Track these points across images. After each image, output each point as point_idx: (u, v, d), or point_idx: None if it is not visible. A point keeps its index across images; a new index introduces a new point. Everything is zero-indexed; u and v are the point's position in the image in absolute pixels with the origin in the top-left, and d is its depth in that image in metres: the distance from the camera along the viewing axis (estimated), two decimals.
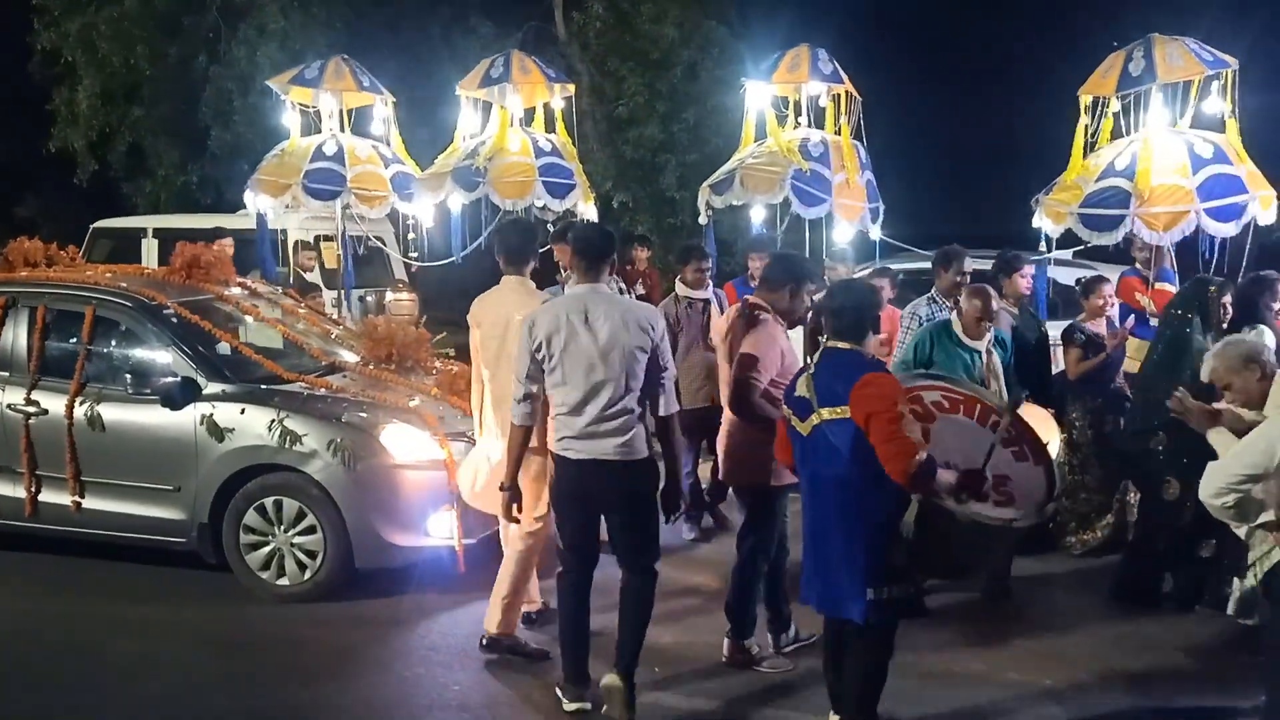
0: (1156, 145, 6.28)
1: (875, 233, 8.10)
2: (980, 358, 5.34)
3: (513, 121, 8.36)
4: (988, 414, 4.05)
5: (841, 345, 3.79)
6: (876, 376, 3.65)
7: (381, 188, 8.84)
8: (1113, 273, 7.20)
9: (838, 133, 7.88)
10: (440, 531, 5.49)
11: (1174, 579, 5.30)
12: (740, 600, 4.78)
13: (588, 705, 4.31)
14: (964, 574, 4.71)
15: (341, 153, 8.72)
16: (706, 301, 6.52)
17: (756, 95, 7.94)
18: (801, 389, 3.83)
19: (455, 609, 5.42)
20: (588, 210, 8.68)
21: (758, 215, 8.28)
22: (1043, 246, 6.96)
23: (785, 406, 3.96)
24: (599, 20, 14.72)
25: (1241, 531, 3.47)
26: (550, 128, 8.60)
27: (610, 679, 4.26)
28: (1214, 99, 6.45)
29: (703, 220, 8.09)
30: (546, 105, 8.61)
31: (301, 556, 5.48)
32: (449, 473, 5.44)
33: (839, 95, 7.92)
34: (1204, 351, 4.57)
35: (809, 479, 3.86)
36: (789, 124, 8.04)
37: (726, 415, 4.75)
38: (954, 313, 5.57)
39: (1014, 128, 16.76)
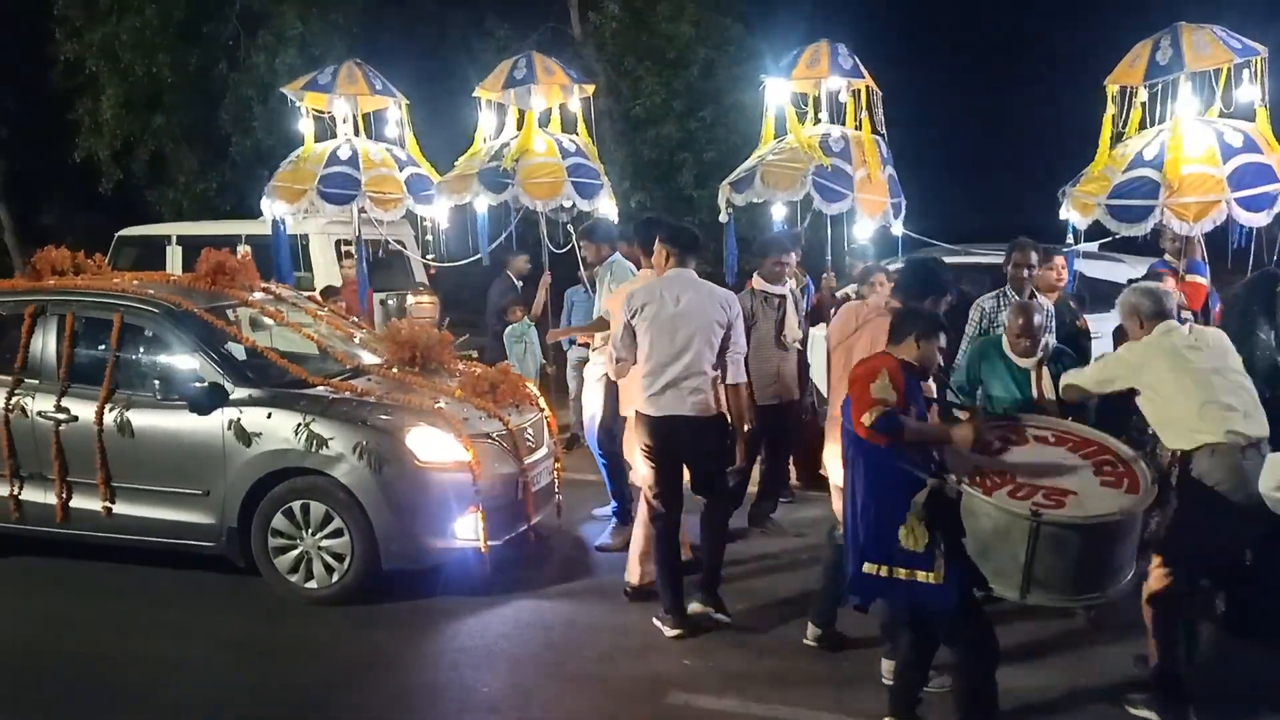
0: (1185, 134, 6.18)
1: (898, 228, 8.04)
2: (1029, 376, 4.97)
3: (535, 122, 8.36)
4: (1100, 453, 4.06)
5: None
6: (876, 356, 4.03)
7: (396, 190, 8.85)
8: (1141, 265, 7.12)
9: (858, 128, 7.82)
10: (466, 533, 5.49)
11: None
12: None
13: (683, 631, 5.03)
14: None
15: (356, 157, 8.74)
16: (783, 297, 6.40)
17: (776, 92, 7.88)
18: None
19: (483, 611, 5.43)
20: (612, 210, 8.67)
21: (778, 212, 8.23)
22: (1070, 239, 6.86)
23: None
24: (615, 20, 14.72)
25: None
26: (568, 129, 8.59)
27: (695, 606, 5.12)
28: (1245, 87, 6.34)
29: (723, 218, 8.05)
30: (564, 106, 8.61)
31: (329, 559, 5.50)
32: (474, 474, 5.44)
33: (859, 90, 7.86)
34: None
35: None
36: (809, 120, 7.99)
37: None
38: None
39: (1039, 119, 16.64)
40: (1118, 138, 6.65)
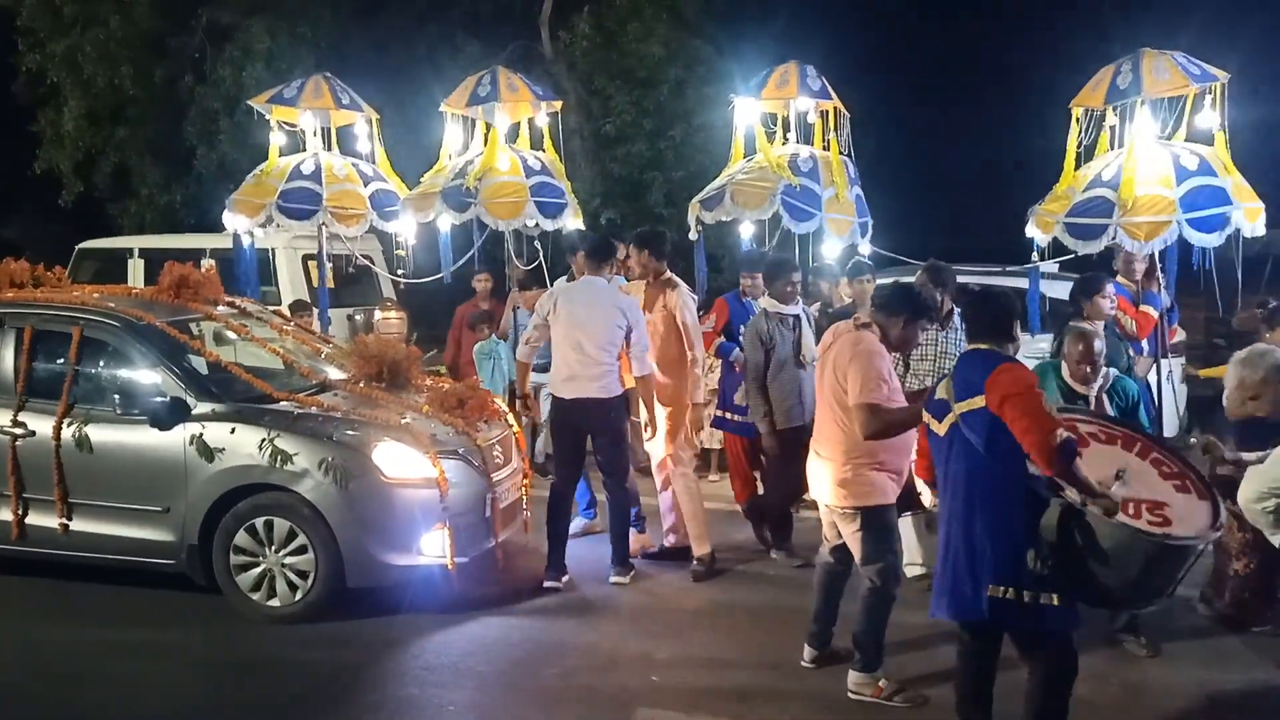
0: (1141, 156, 6.34)
1: (865, 247, 8.11)
2: (1087, 403, 4.88)
3: (500, 140, 8.35)
4: (1149, 451, 3.99)
5: (980, 346, 3.86)
6: (1012, 365, 3.71)
7: (359, 206, 8.77)
8: None
9: (826, 148, 7.90)
10: (433, 550, 5.45)
11: None
12: (872, 628, 4.60)
13: (559, 584, 5.95)
14: (1122, 602, 4.24)
15: (319, 171, 8.67)
16: (797, 317, 6.44)
17: (745, 111, 7.95)
18: (941, 392, 3.88)
19: (449, 627, 5.38)
20: (578, 227, 8.66)
21: (747, 231, 8.28)
22: (1035, 256, 6.98)
23: (926, 414, 3.98)
24: (585, 39, 14.74)
25: (1276, 540, 3.41)
26: (536, 145, 8.59)
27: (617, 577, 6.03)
28: (1206, 112, 6.50)
29: (693, 236, 8.09)
30: (531, 122, 8.60)
31: (293, 577, 5.43)
32: (441, 490, 5.41)
33: (827, 111, 7.95)
34: None
35: (944, 480, 3.85)
36: (778, 140, 8.06)
37: (833, 439, 4.58)
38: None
39: (1008, 141, 16.84)
40: (1085, 158, 6.79)
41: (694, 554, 6.30)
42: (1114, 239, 6.26)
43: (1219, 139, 6.44)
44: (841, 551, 4.74)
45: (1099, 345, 4.94)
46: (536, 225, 8.38)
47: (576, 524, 6.77)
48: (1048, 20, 18.81)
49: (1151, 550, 3.60)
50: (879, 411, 4.32)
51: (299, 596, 5.42)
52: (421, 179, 8.83)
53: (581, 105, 14.68)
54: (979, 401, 3.58)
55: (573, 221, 8.48)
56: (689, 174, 13.60)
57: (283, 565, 5.43)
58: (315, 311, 8.94)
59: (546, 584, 5.94)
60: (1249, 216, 6.25)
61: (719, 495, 8.09)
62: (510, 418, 6.55)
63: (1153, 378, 6.60)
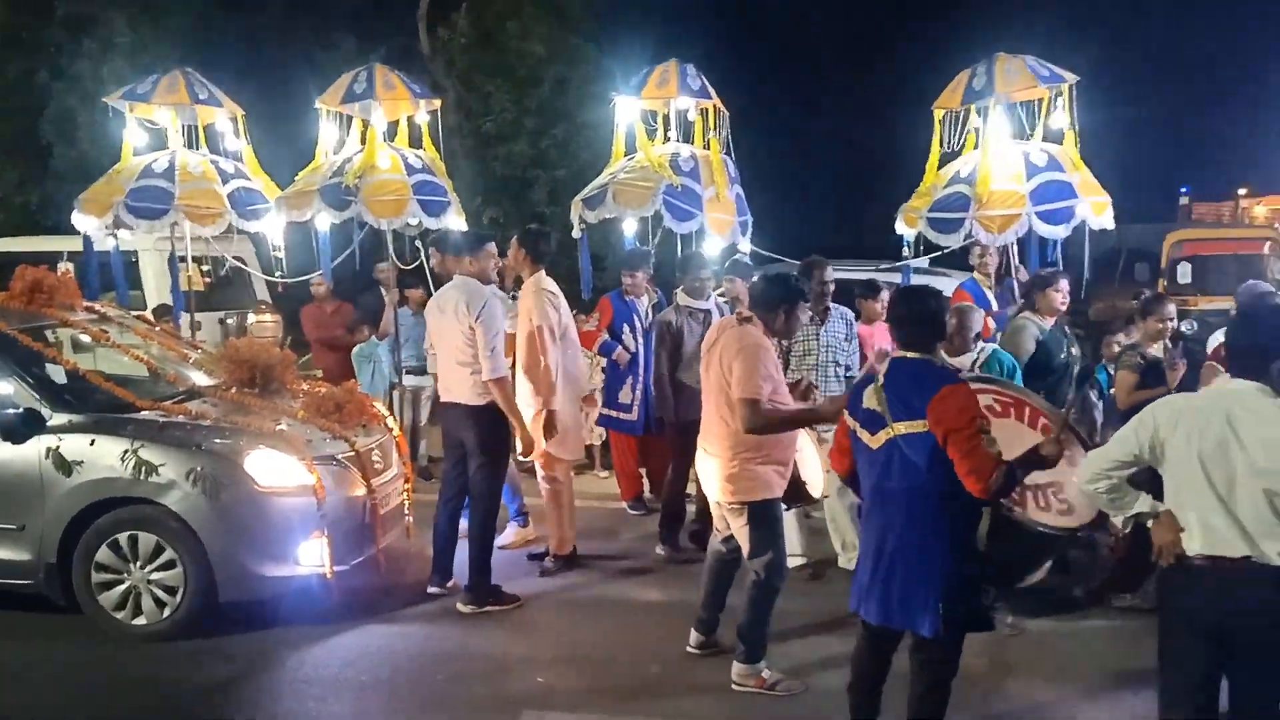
0: (995, 154, 6.67)
1: (745, 245, 8.24)
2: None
3: (379, 138, 8.18)
4: (1037, 417, 4.06)
5: (911, 355, 3.70)
6: (954, 389, 3.52)
7: (216, 205, 8.44)
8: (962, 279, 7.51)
9: (707, 147, 8.00)
10: (310, 560, 5.30)
11: None
12: (757, 621, 4.63)
13: (443, 590, 5.79)
14: (1015, 581, 4.38)
15: (172, 169, 8.33)
16: (707, 311, 6.48)
17: (626, 110, 7.99)
18: (870, 401, 3.70)
19: (328, 639, 5.24)
20: (459, 226, 8.55)
21: (629, 229, 8.32)
22: (906, 252, 7.23)
23: (850, 418, 3.84)
24: (464, 37, 14.62)
25: (1118, 521, 3.55)
26: (415, 143, 8.45)
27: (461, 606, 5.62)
28: (1058, 113, 6.85)
29: (576, 234, 8.09)
30: (411, 120, 8.46)
31: (160, 593, 5.20)
32: (318, 498, 5.27)
33: (707, 110, 8.04)
34: None
35: (876, 491, 3.72)
36: (659, 139, 8.12)
37: (720, 435, 4.59)
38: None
39: (885, 140, 17.39)
40: (950, 157, 7.08)
41: (550, 550, 6.29)
42: (971, 232, 6.56)
43: (1068, 137, 6.82)
44: (733, 541, 4.80)
45: (975, 321, 5.27)
46: (419, 224, 8.25)
47: (509, 532, 6.68)
48: (922, 23, 19.51)
49: (1057, 542, 3.82)
50: (760, 407, 4.38)
51: (167, 613, 5.20)
52: (297, 177, 8.59)
53: (461, 103, 14.55)
54: (920, 426, 3.49)
55: (455, 220, 8.38)
56: (572, 172, 13.63)
57: (149, 581, 5.20)
58: (187, 315, 8.61)
59: (429, 589, 5.85)
60: (1095, 210, 6.62)
61: (606, 492, 8.13)
62: (390, 421, 6.42)
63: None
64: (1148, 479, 3.35)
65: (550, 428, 5.89)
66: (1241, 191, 41.64)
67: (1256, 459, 3.05)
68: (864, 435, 3.71)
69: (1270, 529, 3.05)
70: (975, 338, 5.31)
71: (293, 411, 5.82)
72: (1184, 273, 14.48)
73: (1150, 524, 3.35)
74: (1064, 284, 6.03)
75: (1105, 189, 6.88)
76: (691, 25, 16.03)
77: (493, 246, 5.90)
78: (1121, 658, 4.91)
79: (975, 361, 5.31)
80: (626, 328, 7.39)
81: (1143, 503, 3.38)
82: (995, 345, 5.57)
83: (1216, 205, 41.23)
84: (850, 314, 6.30)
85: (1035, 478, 3.80)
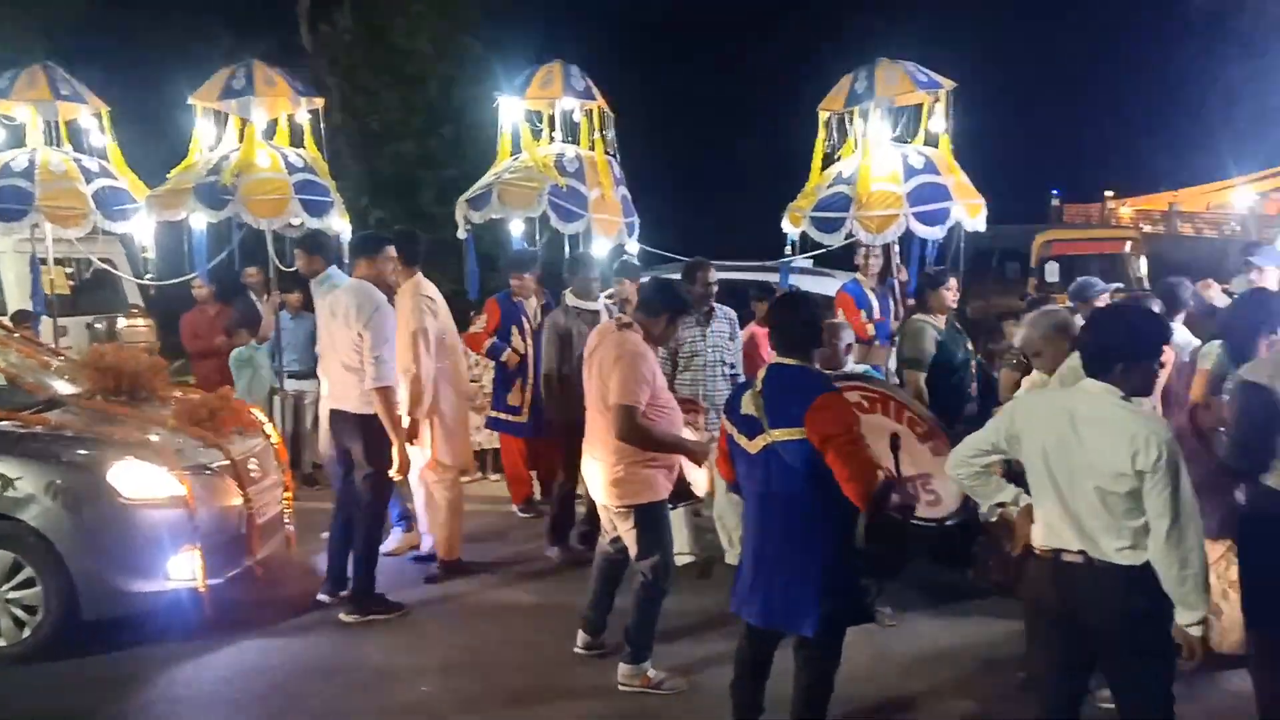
0: (874, 155, 6.86)
1: (633, 246, 8.28)
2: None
3: (257, 136, 7.94)
4: (903, 412, 4.11)
5: (788, 362, 3.72)
6: (831, 398, 3.56)
7: (79, 205, 8.07)
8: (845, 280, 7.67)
9: (592, 148, 8.00)
10: (182, 573, 5.09)
11: None
12: (645, 622, 4.63)
13: (334, 598, 5.64)
14: (892, 574, 4.61)
15: (32, 168, 7.93)
16: (596, 312, 6.44)
17: (510, 110, 7.93)
18: (748, 407, 3.71)
19: (202, 655, 5.05)
20: (343, 227, 8.37)
21: (517, 230, 8.27)
22: (788, 250, 7.36)
23: (728, 422, 3.85)
24: (348, 33, 14.31)
25: (985, 508, 3.65)
26: (296, 142, 8.23)
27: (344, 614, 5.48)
28: (936, 117, 7.07)
29: (461, 235, 8.00)
30: (291, 119, 8.23)
31: (19, 613, 4.93)
32: (190, 509, 5.07)
33: (592, 111, 8.04)
34: None
35: (756, 495, 3.75)
36: (544, 139, 8.09)
37: (604, 440, 4.56)
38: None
39: (774, 141, 17.69)
40: (833, 158, 7.25)
41: (438, 555, 6.21)
42: (851, 232, 6.73)
43: (944, 141, 7.04)
44: (620, 542, 4.80)
45: (846, 336, 5.36)
46: (301, 224, 8.03)
47: (393, 538, 6.53)
48: (812, 27, 19.93)
49: (927, 532, 3.94)
50: (635, 414, 4.37)
51: (27, 634, 4.93)
52: (169, 175, 8.27)
53: (346, 102, 14.23)
54: (799, 433, 3.52)
55: (339, 221, 8.20)
56: (462, 172, 13.43)
57: (6, 601, 4.92)
58: (50, 320, 8.19)
59: (319, 596, 5.70)
60: (970, 212, 6.86)
61: (496, 496, 8.06)
62: (269, 428, 6.22)
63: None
64: (1022, 471, 3.46)
65: (414, 436, 5.74)
66: (1108, 194, 43.81)
67: (1092, 458, 3.12)
68: (742, 440, 3.74)
69: (1105, 526, 3.12)
70: (846, 350, 5.41)
71: (163, 420, 5.59)
72: (1052, 272, 15.17)
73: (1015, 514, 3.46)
74: (953, 282, 6.20)
75: (980, 191, 7.14)
76: (580, 26, 16.02)
77: (392, 250, 5.68)
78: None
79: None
80: (515, 329, 7.31)
81: (1006, 493, 3.48)
82: (867, 366, 5.69)
83: (1085, 206, 43.29)
84: (733, 314, 6.38)
85: (905, 471, 3.91)
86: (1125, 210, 41.26)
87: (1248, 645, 3.09)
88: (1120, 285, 8.28)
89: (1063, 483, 3.21)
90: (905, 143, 7.18)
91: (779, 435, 3.58)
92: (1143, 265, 14.72)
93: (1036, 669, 3.51)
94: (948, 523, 3.97)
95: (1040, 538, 3.31)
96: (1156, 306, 5.78)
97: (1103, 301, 6.39)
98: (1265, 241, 6.56)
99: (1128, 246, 15.61)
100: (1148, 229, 35.67)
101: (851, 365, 5.56)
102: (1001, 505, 3.51)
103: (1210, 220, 35.72)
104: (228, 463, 5.48)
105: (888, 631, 5.24)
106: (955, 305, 6.29)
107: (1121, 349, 3.17)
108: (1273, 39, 17.36)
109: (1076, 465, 3.17)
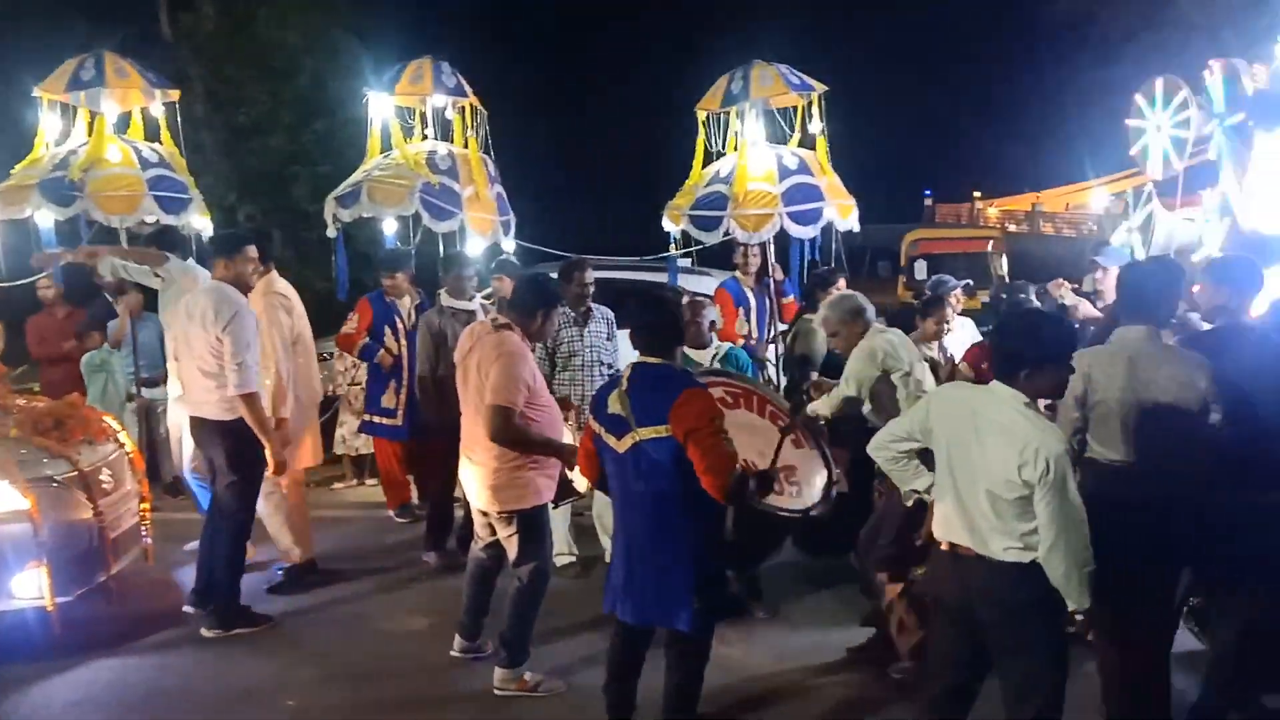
0: (750, 155, 6.96)
1: (509, 244, 8.18)
2: (699, 367, 5.24)
3: (108, 130, 7.53)
4: (765, 406, 4.14)
5: (651, 360, 3.73)
6: (694, 393, 3.60)
7: None
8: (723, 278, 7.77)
9: (466, 145, 7.88)
10: (27, 591, 4.81)
11: None
12: (521, 627, 4.58)
13: (190, 611, 5.45)
14: (758, 564, 4.64)
15: None
16: (471, 312, 6.31)
17: (380, 106, 7.75)
18: (614, 406, 3.71)
19: (50, 677, 4.77)
20: (204, 225, 8.02)
21: (390, 228, 8.08)
22: (673, 248, 7.41)
23: (595, 422, 3.83)
24: (211, 23, 13.75)
25: (903, 493, 3.71)
26: (152, 136, 7.84)
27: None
28: (812, 120, 7.22)
29: (330, 233, 7.76)
30: (145, 112, 7.85)
31: None
32: (35, 524, 4.78)
33: (465, 108, 7.92)
34: None
35: (624, 494, 3.76)
36: (416, 136, 7.93)
37: (483, 443, 4.46)
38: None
39: (652, 139, 17.79)
40: (715, 157, 7.33)
41: (283, 560, 6.06)
42: (729, 230, 6.82)
43: (820, 143, 7.19)
44: (495, 547, 4.74)
45: (709, 313, 5.52)
46: (156, 221, 7.66)
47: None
48: (695, 28, 20.10)
49: (792, 523, 4.02)
50: (512, 417, 4.32)
51: None
52: (13, 171, 7.78)
53: (211, 94, 13.67)
54: (664, 431, 3.55)
55: (198, 218, 7.85)
56: (337, 168, 13.08)
57: None
58: None
59: (185, 608, 5.48)
60: (841, 213, 7.03)
61: (371, 501, 7.88)
62: (123, 436, 5.92)
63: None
64: None
65: (282, 437, 5.53)
66: (976, 194, 45.71)
67: (987, 461, 3.20)
68: (610, 440, 3.75)
69: (994, 527, 3.20)
70: (710, 327, 5.53)
71: (4, 429, 5.26)
72: (920, 269, 15.76)
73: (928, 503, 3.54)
74: (842, 282, 6.40)
75: (853, 192, 7.32)
76: (455, 22, 15.80)
77: (252, 250, 5.44)
78: None
79: (715, 356, 5.50)
80: (388, 330, 7.17)
81: (922, 481, 3.56)
82: (731, 345, 5.79)
83: (956, 207, 45.07)
84: (610, 314, 6.38)
85: (759, 455, 3.99)
86: (992, 210, 43.12)
87: (1085, 622, 3.23)
88: (969, 281, 8.64)
89: (960, 480, 3.29)
90: (782, 144, 7.31)
91: (646, 433, 3.60)
92: (1004, 263, 15.40)
93: (931, 658, 3.60)
94: (811, 513, 4.07)
95: (939, 530, 3.39)
96: (1035, 302, 6.13)
97: (954, 297, 6.68)
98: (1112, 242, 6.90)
99: (990, 245, 16.33)
100: (1013, 228, 37.37)
101: (716, 343, 5.65)
102: (916, 492, 3.60)
103: (1069, 220, 37.64)
104: (76, 474, 5.19)
105: (760, 622, 5.32)
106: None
107: (1026, 354, 3.22)
108: (1125, 47, 18.39)
109: (974, 466, 3.24)
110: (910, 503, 3.77)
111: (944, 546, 3.37)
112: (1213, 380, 3.64)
